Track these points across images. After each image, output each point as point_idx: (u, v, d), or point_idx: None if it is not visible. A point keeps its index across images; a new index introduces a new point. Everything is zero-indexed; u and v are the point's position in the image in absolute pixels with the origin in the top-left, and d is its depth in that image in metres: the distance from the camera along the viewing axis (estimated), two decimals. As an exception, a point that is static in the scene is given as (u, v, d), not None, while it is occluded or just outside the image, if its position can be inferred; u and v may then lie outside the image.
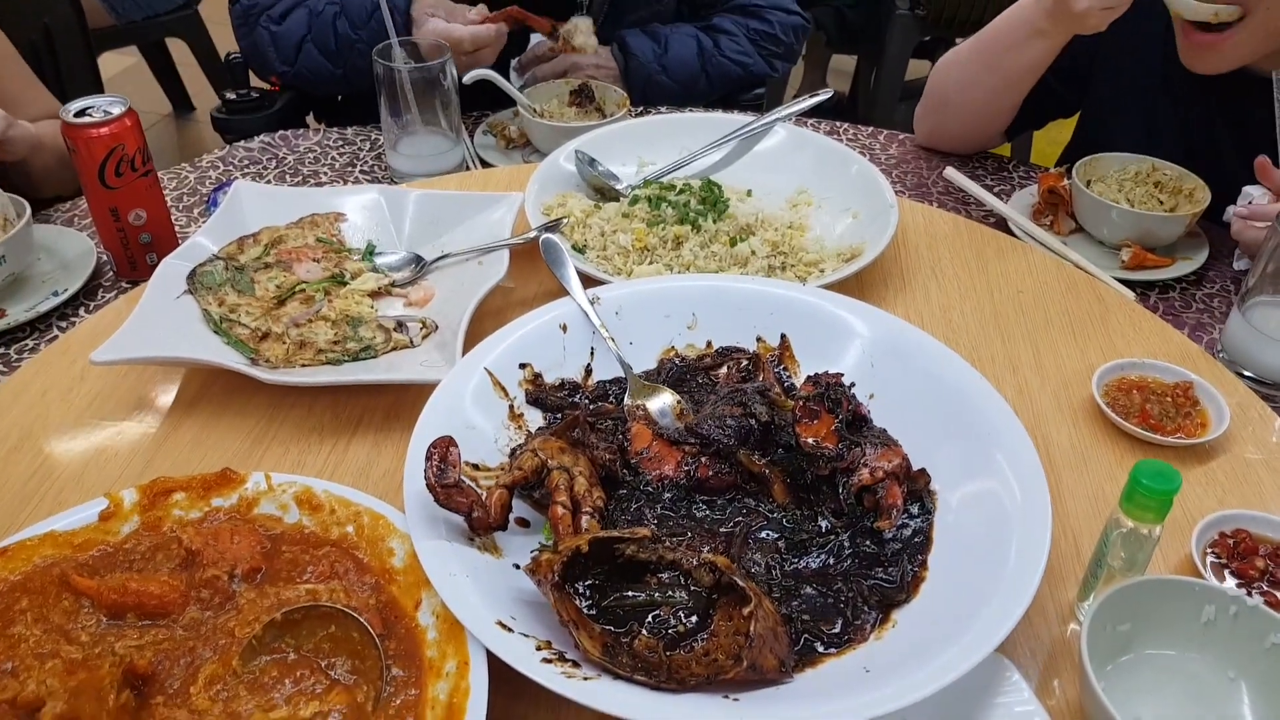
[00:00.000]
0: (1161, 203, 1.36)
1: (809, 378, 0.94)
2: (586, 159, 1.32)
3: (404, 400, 1.03)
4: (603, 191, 1.32)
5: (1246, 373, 1.13)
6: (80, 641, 0.72)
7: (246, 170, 1.57)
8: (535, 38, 1.77)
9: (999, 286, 1.24)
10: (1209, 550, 0.88)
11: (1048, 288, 1.24)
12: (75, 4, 2.04)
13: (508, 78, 1.60)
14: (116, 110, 1.18)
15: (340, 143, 1.65)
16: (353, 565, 0.79)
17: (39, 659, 0.70)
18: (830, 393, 0.92)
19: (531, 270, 1.20)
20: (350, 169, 1.58)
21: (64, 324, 1.23)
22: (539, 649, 0.71)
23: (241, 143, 1.62)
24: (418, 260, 1.20)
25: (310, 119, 1.94)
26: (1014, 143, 2.02)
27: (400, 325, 1.11)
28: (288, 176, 1.56)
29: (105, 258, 1.31)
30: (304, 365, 1.03)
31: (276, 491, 0.84)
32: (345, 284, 1.15)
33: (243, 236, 1.19)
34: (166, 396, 1.05)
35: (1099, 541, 0.81)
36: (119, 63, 4.06)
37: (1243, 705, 0.75)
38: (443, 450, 0.80)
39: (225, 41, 1.94)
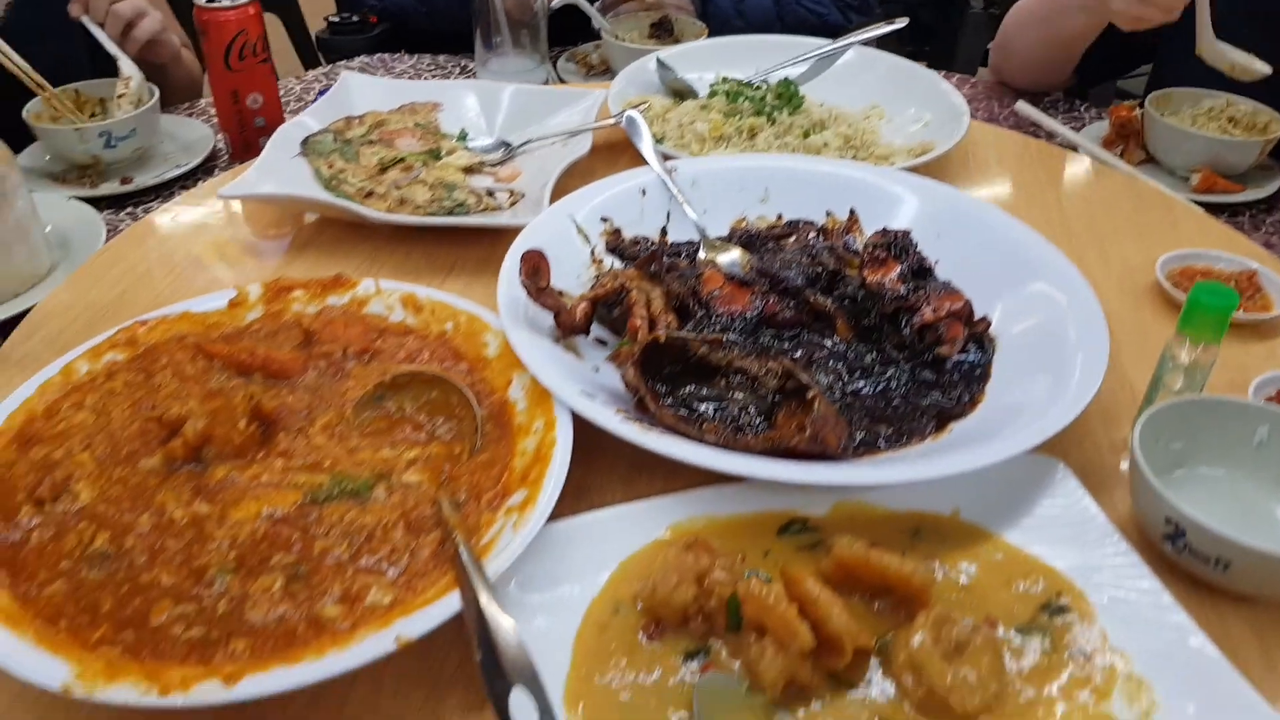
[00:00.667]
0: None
1: (878, 230, 1.00)
2: (668, 67, 1.40)
3: (494, 253, 1.10)
4: (682, 94, 1.39)
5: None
6: (211, 390, 0.81)
7: None
8: None
9: (1067, 196, 1.28)
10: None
11: (1116, 198, 1.27)
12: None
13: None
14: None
15: (433, 67, 1.76)
16: (450, 354, 0.87)
17: (174, 399, 0.79)
18: (898, 241, 0.97)
19: (613, 161, 1.28)
20: (443, 90, 1.70)
21: (184, 192, 1.34)
22: (618, 413, 0.78)
23: (343, 62, 1.76)
24: (506, 145, 1.29)
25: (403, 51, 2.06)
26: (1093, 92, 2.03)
27: (490, 193, 1.19)
28: None
29: (221, 143, 1.42)
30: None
31: (384, 294, 0.92)
32: (440, 158, 1.24)
33: (349, 116, 1.29)
34: (278, 244, 1.14)
35: (1156, 370, 0.85)
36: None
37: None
38: (535, 259, 0.88)
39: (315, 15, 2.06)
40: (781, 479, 0.73)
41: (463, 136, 1.31)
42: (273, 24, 3.66)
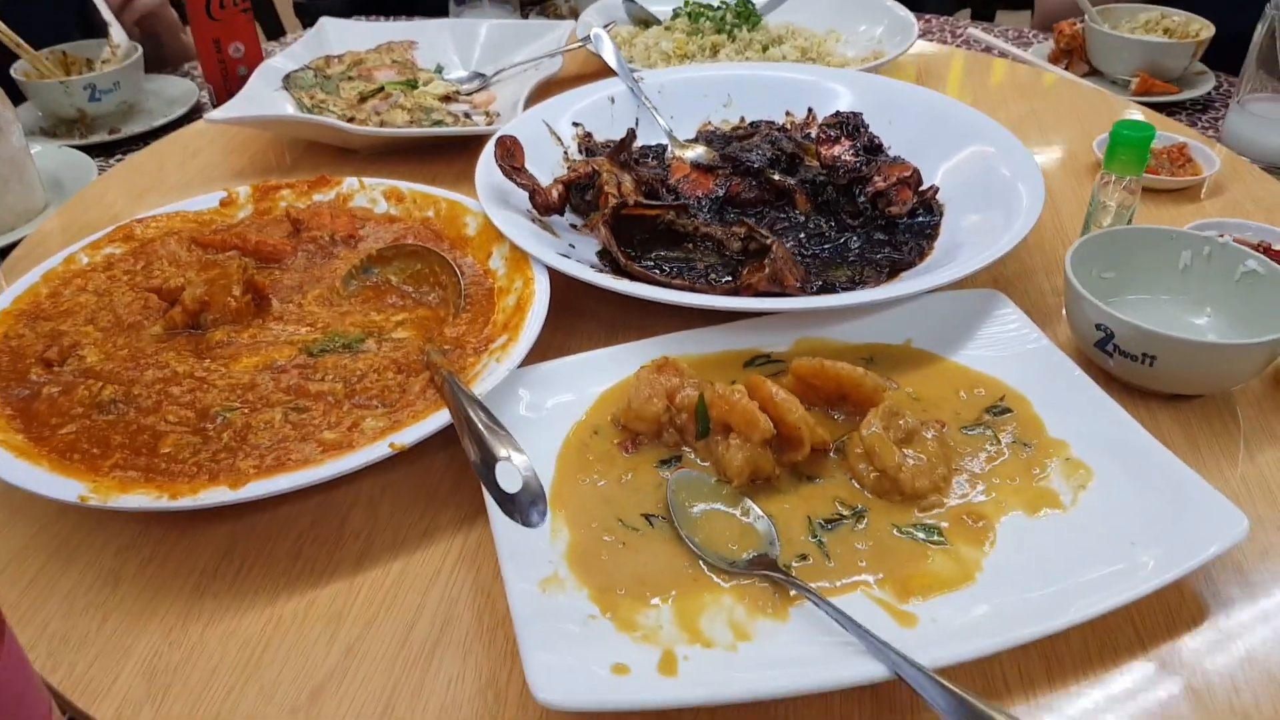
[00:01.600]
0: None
1: (832, 113, 1.06)
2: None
3: (472, 167, 1.17)
4: (647, 24, 1.45)
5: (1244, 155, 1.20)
6: (208, 262, 0.86)
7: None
8: None
9: (1013, 97, 1.34)
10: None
11: (1059, 95, 1.34)
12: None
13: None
14: None
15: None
16: (432, 236, 0.92)
17: (175, 288, 0.84)
18: (850, 120, 1.03)
19: (580, 83, 1.33)
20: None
21: None
22: (592, 267, 0.83)
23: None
24: (481, 75, 1.34)
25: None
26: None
27: (467, 115, 1.25)
28: None
29: (205, 96, 1.48)
30: (387, 136, 1.18)
31: (368, 189, 0.98)
32: (418, 88, 1.30)
33: (329, 55, 1.35)
34: (266, 165, 1.20)
35: (1088, 208, 0.91)
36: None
37: (1220, 333, 0.84)
38: (509, 143, 0.94)
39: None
40: (742, 308, 0.79)
41: (439, 70, 1.37)
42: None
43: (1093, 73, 1.50)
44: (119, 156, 1.35)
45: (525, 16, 1.77)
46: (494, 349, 0.76)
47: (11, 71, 1.40)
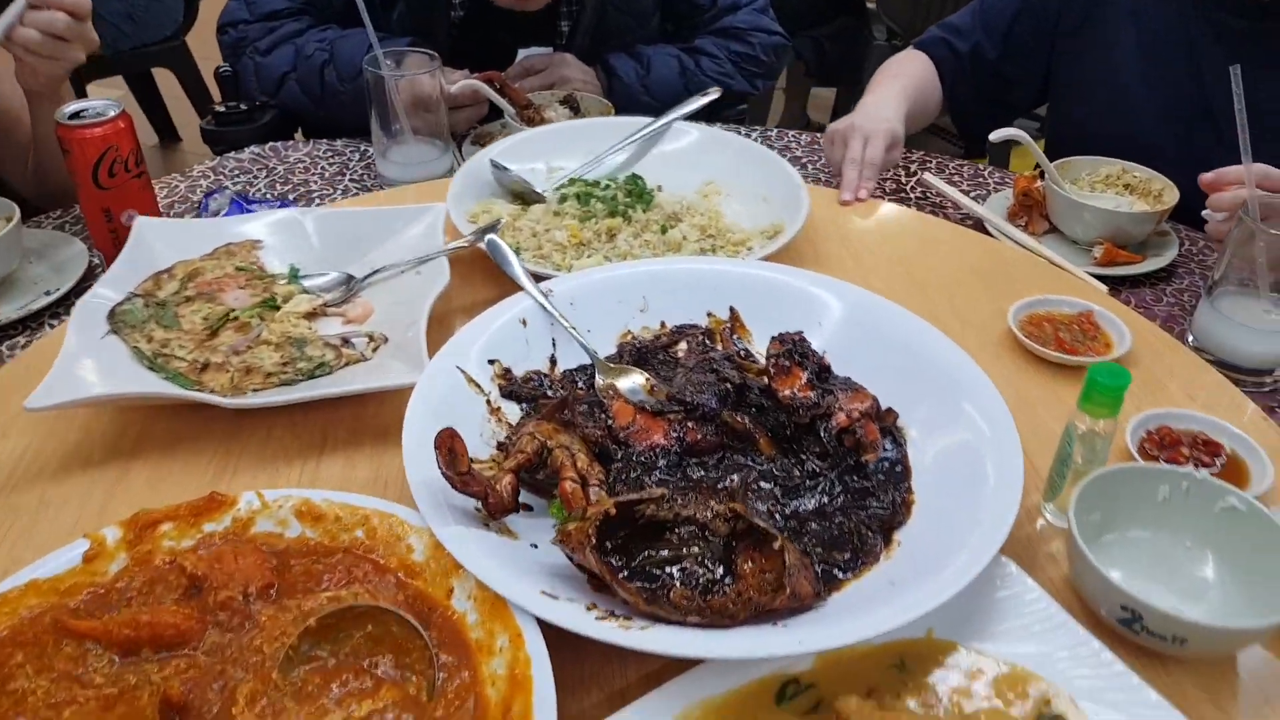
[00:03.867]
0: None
1: (774, 337, 0.99)
2: (503, 166, 1.34)
3: (365, 413, 1.01)
4: (522, 196, 1.33)
5: (1213, 357, 1.16)
6: (96, 685, 0.67)
7: (237, 180, 1.56)
8: (523, 52, 1.79)
9: (919, 255, 1.32)
10: (1142, 446, 0.99)
11: (966, 253, 1.33)
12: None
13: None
14: (111, 112, 1.21)
15: (330, 153, 1.63)
16: (371, 568, 0.77)
17: (55, 709, 0.64)
18: (797, 348, 0.97)
19: (467, 276, 1.20)
20: (340, 178, 1.57)
21: (55, 321, 1.21)
22: (589, 609, 0.72)
23: (232, 154, 1.63)
24: (349, 279, 1.17)
25: (299, 135, 1.87)
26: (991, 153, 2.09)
27: (346, 341, 1.08)
28: (278, 185, 1.55)
29: (97, 260, 1.30)
30: (255, 390, 0.99)
31: (272, 508, 0.80)
32: (278, 308, 1.11)
33: (157, 273, 1.13)
34: (106, 443, 0.98)
35: (1060, 445, 0.89)
36: (105, 94, 3.93)
37: (1206, 567, 0.85)
38: (448, 441, 0.80)
39: (212, 71, 1.89)
40: (780, 654, 0.70)
41: (294, 274, 1.18)
42: (166, 79, 3.33)
43: (1052, 230, 1.44)
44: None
45: (459, 145, 1.60)
46: (505, 754, 0.63)
47: None
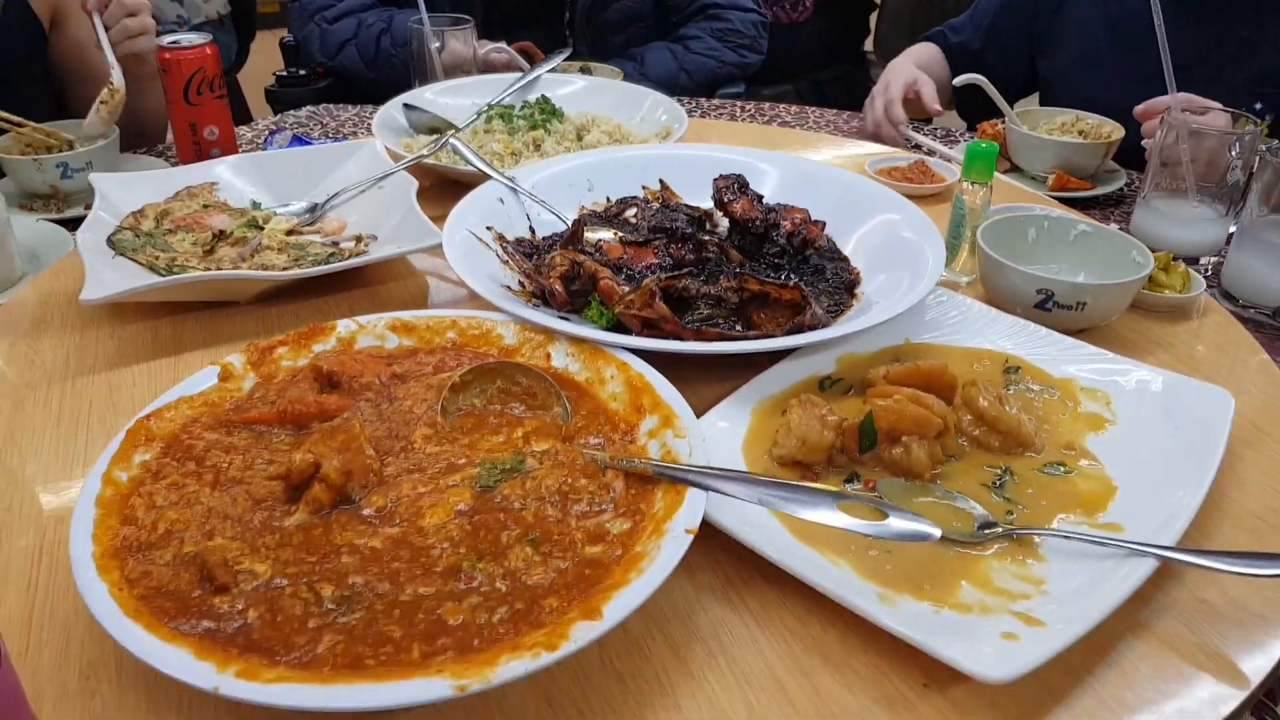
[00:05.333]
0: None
1: (718, 176, 1.20)
2: (417, 107, 1.48)
3: (381, 292, 1.12)
4: (438, 130, 1.47)
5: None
6: (283, 449, 0.75)
7: (297, 129, 1.75)
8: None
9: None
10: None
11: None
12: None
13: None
14: (200, 40, 1.45)
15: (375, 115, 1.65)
16: (473, 357, 0.89)
17: (253, 470, 0.73)
18: (738, 180, 1.19)
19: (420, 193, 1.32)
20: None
21: None
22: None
23: (290, 111, 1.85)
24: (314, 205, 1.27)
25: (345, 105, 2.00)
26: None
27: (336, 244, 1.18)
28: (329, 139, 1.72)
29: None
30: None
31: (369, 328, 0.91)
32: (261, 229, 1.19)
33: (132, 213, 1.17)
34: (144, 345, 1.02)
35: (951, 216, 1.17)
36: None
37: (1077, 277, 1.14)
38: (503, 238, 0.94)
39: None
40: (817, 340, 0.91)
41: (257, 206, 1.26)
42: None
43: (1013, 169, 1.63)
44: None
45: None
46: (650, 430, 0.78)
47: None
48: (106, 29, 1.53)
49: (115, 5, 1.52)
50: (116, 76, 1.50)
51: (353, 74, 1.99)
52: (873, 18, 3.35)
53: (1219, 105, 1.40)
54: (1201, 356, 1.06)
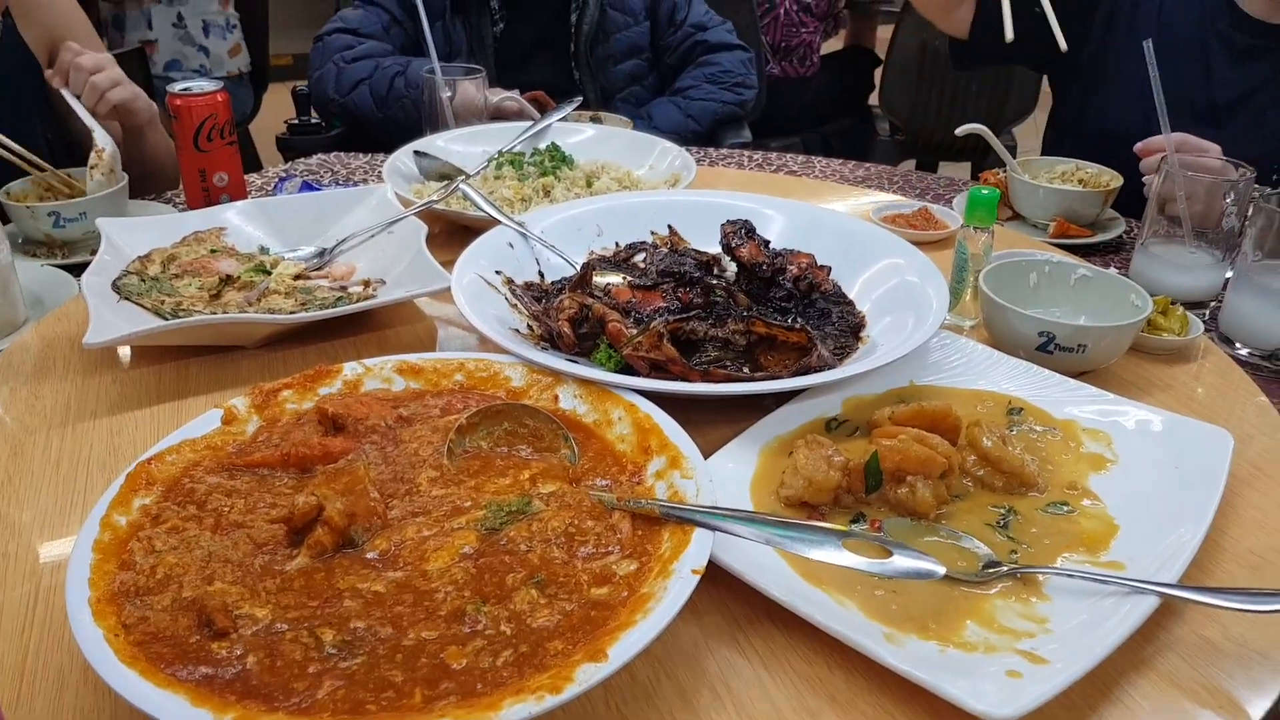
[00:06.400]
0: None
1: (725, 221, 1.21)
2: (429, 155, 1.50)
3: (387, 337, 1.13)
4: (448, 176, 1.49)
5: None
6: (286, 492, 0.75)
7: (307, 175, 1.77)
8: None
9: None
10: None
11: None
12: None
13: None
14: (211, 87, 1.45)
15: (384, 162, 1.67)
16: (480, 400, 0.89)
17: (255, 514, 0.72)
18: (745, 226, 1.20)
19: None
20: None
21: None
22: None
23: (301, 159, 1.86)
24: (322, 250, 1.28)
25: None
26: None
27: (344, 289, 1.19)
28: (339, 185, 1.74)
29: None
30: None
31: (375, 370, 0.91)
32: (269, 273, 1.20)
33: (138, 257, 1.18)
34: (149, 389, 1.02)
35: (954, 261, 1.18)
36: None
37: (1078, 320, 1.14)
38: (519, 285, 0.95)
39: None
40: (835, 378, 0.92)
41: (265, 251, 1.27)
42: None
43: (1015, 217, 1.64)
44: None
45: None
46: (658, 471, 0.78)
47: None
48: (77, 96, 1.50)
49: (74, 71, 1.50)
50: (99, 138, 1.47)
51: (362, 112, 2.04)
52: (877, 73, 3.42)
53: (1216, 148, 1.41)
54: (1201, 398, 1.06)
